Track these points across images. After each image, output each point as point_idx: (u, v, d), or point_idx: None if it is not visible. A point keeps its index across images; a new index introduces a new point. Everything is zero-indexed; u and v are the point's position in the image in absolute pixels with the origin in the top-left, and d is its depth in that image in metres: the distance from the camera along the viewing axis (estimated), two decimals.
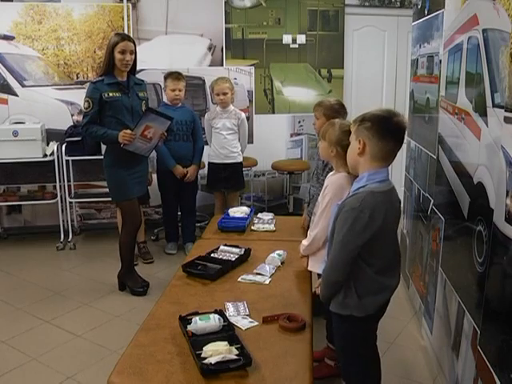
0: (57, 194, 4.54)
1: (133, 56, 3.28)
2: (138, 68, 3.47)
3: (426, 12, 3.10)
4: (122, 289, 3.58)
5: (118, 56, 3.21)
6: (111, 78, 3.26)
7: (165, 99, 4.26)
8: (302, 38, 4.95)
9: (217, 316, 1.96)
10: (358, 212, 1.73)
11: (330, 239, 1.90)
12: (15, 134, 4.24)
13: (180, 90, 4.05)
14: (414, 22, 3.47)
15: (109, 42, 3.26)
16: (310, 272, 2.49)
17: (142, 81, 3.52)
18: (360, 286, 1.84)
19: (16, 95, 4.58)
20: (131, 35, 4.42)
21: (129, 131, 3.15)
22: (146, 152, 3.35)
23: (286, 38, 4.94)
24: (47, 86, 4.63)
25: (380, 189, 1.79)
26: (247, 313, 2.12)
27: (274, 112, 5.07)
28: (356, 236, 1.76)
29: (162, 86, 4.26)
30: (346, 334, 1.95)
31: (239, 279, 2.46)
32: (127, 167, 3.34)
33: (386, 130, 1.77)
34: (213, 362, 1.67)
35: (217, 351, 1.72)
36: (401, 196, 3.81)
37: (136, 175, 3.40)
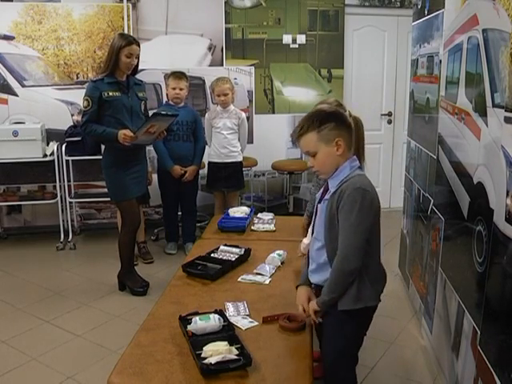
0: (57, 194, 4.54)
1: (137, 59, 3.30)
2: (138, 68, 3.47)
3: (425, 12, 3.09)
4: (122, 289, 3.58)
5: (124, 59, 3.21)
6: (111, 77, 3.25)
7: (166, 99, 4.25)
8: (302, 38, 4.94)
9: (217, 316, 1.96)
10: (362, 190, 1.76)
11: (328, 236, 1.84)
12: (15, 133, 4.24)
13: (181, 89, 4.04)
14: (414, 22, 3.47)
15: (113, 42, 3.23)
16: None
17: (141, 81, 3.51)
18: (370, 273, 1.84)
19: (16, 95, 4.57)
20: (131, 35, 4.43)
21: (130, 133, 3.14)
22: (147, 143, 3.44)
23: (286, 38, 4.94)
24: (47, 86, 4.63)
25: (362, 172, 1.88)
26: (247, 313, 2.12)
27: (274, 112, 5.07)
28: (366, 215, 1.77)
29: (163, 86, 4.25)
30: (351, 332, 1.87)
31: (239, 279, 2.46)
32: (126, 167, 3.34)
33: (344, 120, 1.85)
34: (213, 362, 1.67)
35: (217, 351, 1.72)
36: (401, 196, 3.86)
37: (135, 175, 3.40)
